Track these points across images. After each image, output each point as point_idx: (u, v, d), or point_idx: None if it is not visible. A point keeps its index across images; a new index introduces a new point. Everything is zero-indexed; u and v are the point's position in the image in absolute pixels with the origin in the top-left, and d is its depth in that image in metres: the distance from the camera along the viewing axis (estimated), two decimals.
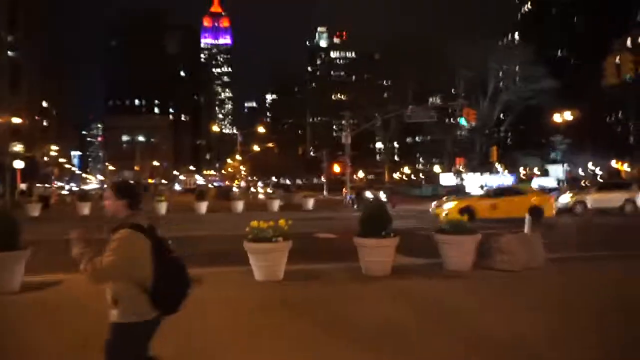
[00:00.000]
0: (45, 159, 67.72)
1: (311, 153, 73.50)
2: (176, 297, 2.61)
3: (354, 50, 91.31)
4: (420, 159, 75.46)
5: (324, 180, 48.88)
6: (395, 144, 68.48)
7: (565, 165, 46.57)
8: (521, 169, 60.97)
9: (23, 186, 46.90)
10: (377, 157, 66.53)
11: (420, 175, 70.74)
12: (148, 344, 2.65)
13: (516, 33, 74.43)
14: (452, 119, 50.04)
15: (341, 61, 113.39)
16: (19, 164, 40.06)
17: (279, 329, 5.30)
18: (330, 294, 6.88)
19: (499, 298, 6.56)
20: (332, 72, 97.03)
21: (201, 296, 6.52)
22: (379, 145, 62.73)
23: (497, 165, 45.26)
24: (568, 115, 39.27)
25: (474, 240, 8.34)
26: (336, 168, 37.54)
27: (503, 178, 38.24)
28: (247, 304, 6.45)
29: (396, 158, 71.90)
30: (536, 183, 29.16)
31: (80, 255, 2.51)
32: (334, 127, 60.80)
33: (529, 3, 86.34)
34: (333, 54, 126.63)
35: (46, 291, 7.23)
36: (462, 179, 40.90)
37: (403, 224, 15.58)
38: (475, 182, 35.42)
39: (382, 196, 26.15)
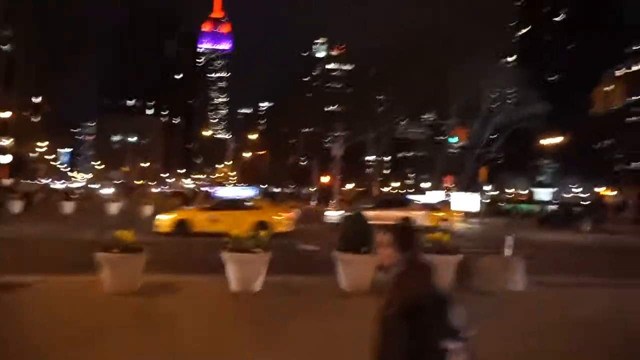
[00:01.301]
0: (33, 155, 66.99)
1: (302, 163, 73.52)
2: None
3: (351, 63, 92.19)
4: (410, 175, 75.80)
5: (312, 191, 48.79)
6: (386, 158, 68.79)
7: (552, 188, 47.13)
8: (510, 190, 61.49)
9: (8, 182, 46.23)
10: (367, 170, 66.71)
11: (408, 190, 71.13)
12: None
13: (513, 56, 75.58)
14: (443, 136, 50.41)
15: (338, 73, 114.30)
16: (4, 159, 39.50)
17: (248, 342, 5.20)
18: (303, 308, 6.79)
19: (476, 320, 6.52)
20: (328, 84, 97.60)
21: (175, 306, 6.50)
22: (370, 158, 62.93)
23: (485, 186, 45.59)
24: (556, 140, 39.78)
25: (454, 260, 8.33)
26: (325, 179, 37.54)
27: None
28: (220, 316, 6.34)
29: (386, 172, 72.20)
30: (423, 199, 27.78)
31: None
32: (327, 138, 61.04)
33: (525, 27, 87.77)
34: (330, 66, 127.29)
35: (20, 292, 7.06)
36: (449, 196, 41.05)
37: None
38: (462, 201, 35.45)
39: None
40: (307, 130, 72.05)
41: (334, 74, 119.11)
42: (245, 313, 6.41)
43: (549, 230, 23.96)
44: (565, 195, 54.86)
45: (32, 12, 70.09)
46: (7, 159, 39.99)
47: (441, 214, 22.95)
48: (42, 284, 7.63)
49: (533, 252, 10.50)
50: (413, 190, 67.49)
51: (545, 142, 41.32)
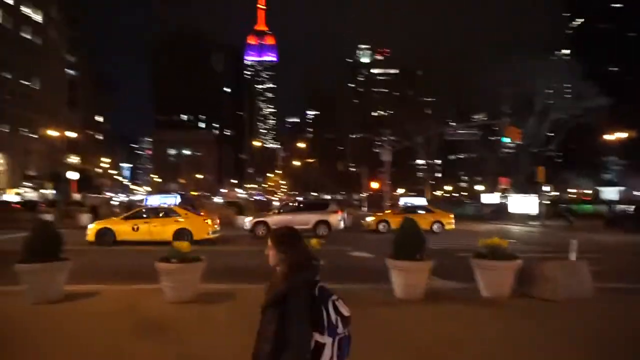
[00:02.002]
0: (98, 170, 71.33)
1: (351, 169, 73.45)
2: None
3: (396, 67, 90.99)
4: (463, 177, 73.73)
5: (362, 197, 48.48)
6: (437, 161, 67.36)
7: (619, 187, 44.04)
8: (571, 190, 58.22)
9: (77, 196, 49.37)
10: (418, 174, 65.47)
11: (461, 193, 69.12)
12: None
13: (567, 49, 71.92)
14: (496, 137, 48.72)
15: (383, 77, 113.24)
16: (73, 176, 42.25)
17: None
18: (359, 317, 6.73)
19: (534, 330, 6.21)
20: (373, 89, 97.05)
21: (233, 314, 6.66)
22: (420, 162, 61.72)
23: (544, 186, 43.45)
24: (622, 135, 37.28)
25: (513, 266, 7.98)
26: (374, 184, 37.27)
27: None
28: None
29: (438, 175, 70.61)
30: (404, 202, 26.76)
31: None
32: (375, 143, 60.63)
33: (579, 18, 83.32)
34: (374, 71, 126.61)
35: (81, 302, 7.50)
36: (506, 198, 39.51)
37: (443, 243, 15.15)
38: (519, 202, 34.05)
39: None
40: (355, 136, 72.04)
41: (380, 78, 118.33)
42: None
43: (618, 232, 22.45)
44: (634, 195, 51.19)
45: (90, 39, 75.13)
46: (76, 175, 42.79)
47: (434, 216, 22.40)
48: (108, 292, 8.07)
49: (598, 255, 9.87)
50: (466, 193, 65.50)
51: (609, 138, 38.76)
